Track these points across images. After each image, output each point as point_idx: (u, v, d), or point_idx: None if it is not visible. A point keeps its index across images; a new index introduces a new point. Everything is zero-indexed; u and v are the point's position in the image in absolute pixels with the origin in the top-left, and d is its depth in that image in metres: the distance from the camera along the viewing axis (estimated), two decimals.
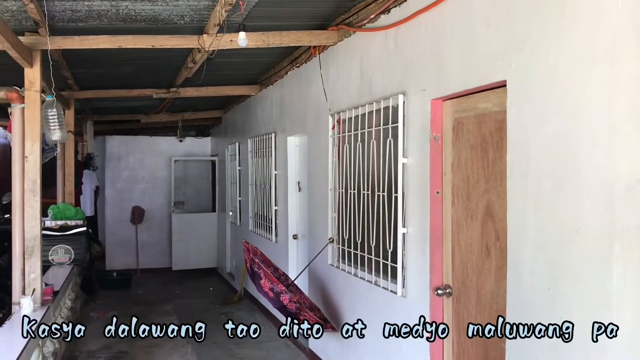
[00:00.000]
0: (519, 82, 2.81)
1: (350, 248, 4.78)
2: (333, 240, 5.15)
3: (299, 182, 6.63)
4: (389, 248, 4.07)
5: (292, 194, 6.67)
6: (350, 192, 4.76)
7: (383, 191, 4.16)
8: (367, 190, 4.45)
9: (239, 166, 9.25)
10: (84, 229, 7.15)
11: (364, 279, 4.51)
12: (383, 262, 4.19)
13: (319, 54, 5.50)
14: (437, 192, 3.63)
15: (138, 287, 10.14)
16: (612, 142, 2.26)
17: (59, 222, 7.23)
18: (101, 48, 4.88)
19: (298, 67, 6.20)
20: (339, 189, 5.02)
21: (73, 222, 7.25)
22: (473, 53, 3.17)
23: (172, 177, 11.75)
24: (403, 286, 3.92)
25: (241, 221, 9.24)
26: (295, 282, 5.27)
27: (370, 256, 4.41)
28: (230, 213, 10.05)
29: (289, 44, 5.15)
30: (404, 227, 3.90)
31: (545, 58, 2.63)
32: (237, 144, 9.39)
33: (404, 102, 3.89)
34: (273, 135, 7.19)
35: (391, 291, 4.06)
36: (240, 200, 9.28)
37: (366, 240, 4.47)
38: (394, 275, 4.02)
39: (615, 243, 2.24)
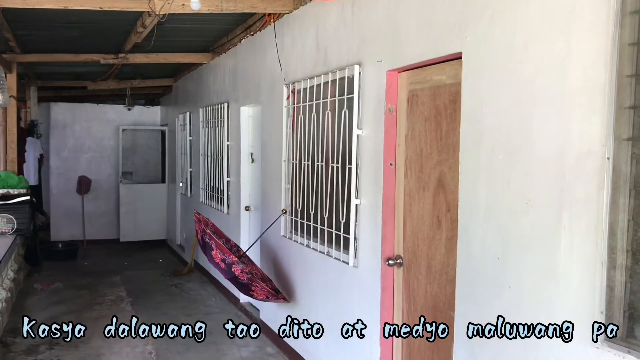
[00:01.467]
0: (475, 54, 2.82)
1: (303, 219, 4.78)
2: (286, 211, 5.13)
3: (252, 153, 6.55)
4: (342, 219, 4.09)
5: (245, 165, 6.60)
6: (304, 164, 4.74)
7: (337, 163, 4.16)
8: (321, 161, 4.44)
9: (190, 136, 9.08)
10: (27, 197, 6.90)
11: (317, 250, 4.52)
12: (336, 233, 4.20)
13: (274, 21, 5.40)
14: (391, 164, 3.65)
15: (84, 258, 9.91)
16: (565, 115, 2.30)
17: (1, 191, 6.95)
18: (45, 8, 4.65)
19: (252, 35, 6.08)
20: (293, 160, 4.99)
21: (16, 191, 6.99)
22: (430, 24, 3.17)
23: (120, 147, 11.45)
24: (355, 257, 3.95)
25: (192, 192, 9.10)
26: (247, 253, 5.25)
27: (323, 227, 4.41)
28: (181, 184, 9.89)
29: (243, 10, 5.03)
30: (357, 198, 3.91)
31: (502, 31, 2.65)
32: (188, 113, 9.20)
33: (359, 73, 3.87)
34: (225, 105, 7.07)
35: (343, 261, 4.08)
36: (191, 172, 9.13)
37: (319, 211, 4.47)
38: (347, 246, 4.04)
39: (564, 214, 2.30)
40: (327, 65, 4.38)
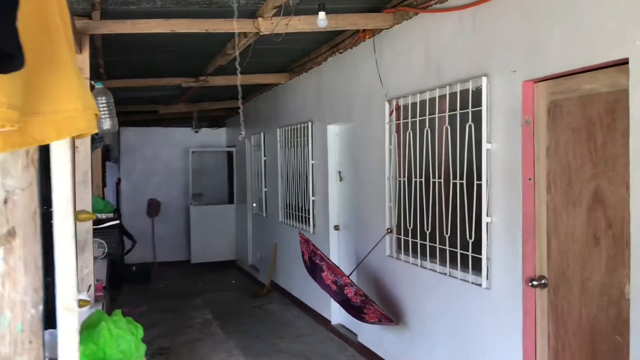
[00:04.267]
0: None
1: (416, 239, 4.61)
2: (391, 230, 4.98)
3: (339, 172, 6.45)
4: (470, 238, 3.91)
5: (333, 183, 6.49)
6: (415, 181, 4.59)
7: (461, 179, 3.99)
8: (439, 178, 4.28)
9: (265, 156, 9.05)
10: (117, 222, 6.93)
11: (435, 271, 4.34)
12: (462, 253, 4.02)
13: (369, 38, 5.30)
14: (530, 179, 3.46)
15: (158, 280, 9.96)
16: None
17: None
18: (153, 32, 4.65)
19: (341, 52, 6.00)
20: (400, 177, 4.84)
21: (104, 216, 7.03)
22: (580, 29, 2.99)
23: (190, 169, 11.53)
24: (487, 277, 3.75)
25: (267, 213, 9.05)
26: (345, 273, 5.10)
27: (443, 247, 4.23)
28: (254, 205, 9.86)
29: (344, 28, 4.96)
30: (487, 216, 3.73)
31: None
32: (261, 133, 9.18)
33: (487, 85, 3.71)
34: (309, 124, 7.00)
35: (472, 283, 3.89)
36: (266, 192, 9.09)
37: (438, 230, 4.29)
38: (476, 267, 3.85)
39: None
40: (440, 79, 4.24)
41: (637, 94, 2.70)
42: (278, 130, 8.25)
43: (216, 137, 12.14)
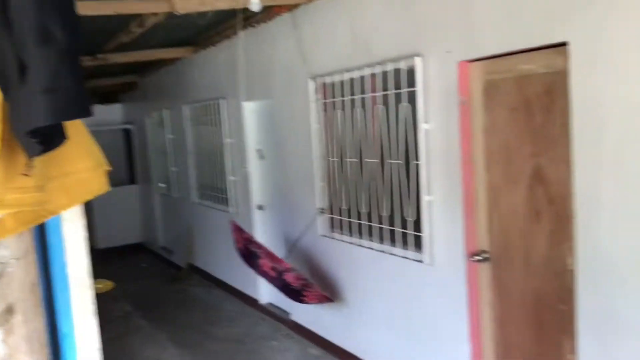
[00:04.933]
0: (587, 44, 2.73)
1: (352, 218, 4.62)
2: (324, 210, 4.95)
3: (259, 150, 6.30)
4: (410, 217, 3.96)
5: (253, 162, 6.34)
6: (348, 161, 4.57)
7: (397, 159, 4.01)
8: (374, 158, 4.28)
9: (171, 135, 8.67)
10: None
11: (373, 248, 4.39)
12: (402, 232, 4.08)
13: (285, 12, 5.15)
14: (468, 158, 3.54)
15: None
16: None
17: None
18: None
19: (255, 27, 5.79)
20: (330, 157, 4.80)
21: None
22: (520, 12, 3.05)
23: None
24: (429, 254, 3.84)
25: (178, 193, 8.73)
26: (269, 251, 5.02)
27: (382, 225, 4.28)
28: (161, 185, 9.47)
29: (265, 4, 4.75)
30: (428, 194, 3.79)
31: (625, 18, 2.56)
32: (164, 110, 8.77)
33: (421, 65, 3.72)
34: (222, 101, 6.75)
35: (413, 259, 3.97)
36: (174, 171, 8.75)
37: (376, 209, 4.32)
38: (418, 244, 3.93)
39: None
40: (370, 57, 4.20)
41: (578, 77, 2.80)
42: (185, 107, 7.91)
43: (111, 114, 11.45)
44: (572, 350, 3.02)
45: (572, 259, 2.97)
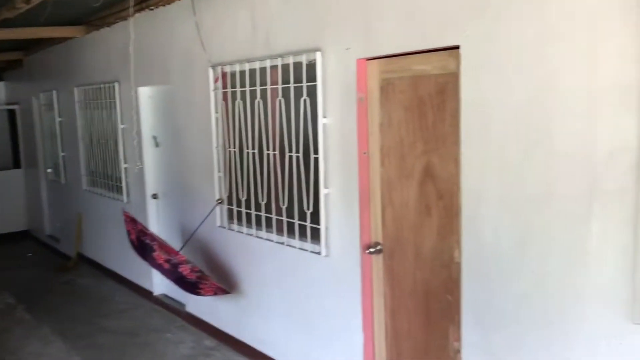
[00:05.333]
0: (477, 49, 2.87)
1: (250, 209, 4.61)
2: (222, 201, 4.90)
3: (155, 137, 6.12)
4: (308, 209, 4.01)
5: (148, 150, 6.15)
6: (248, 152, 4.54)
7: (297, 152, 4.04)
8: (274, 150, 4.28)
9: (60, 117, 8.21)
10: None
11: (271, 240, 4.40)
12: (300, 224, 4.12)
13: None
14: (364, 153, 3.64)
15: None
16: (593, 112, 2.45)
17: None
18: None
19: (152, 9, 5.59)
20: (230, 147, 4.75)
21: None
22: (414, 14, 3.15)
23: None
24: (326, 246, 3.91)
25: (67, 179, 8.30)
26: (164, 243, 4.93)
27: (280, 217, 4.30)
28: (49, 170, 8.95)
29: None
30: (325, 187, 3.85)
31: (510, 27, 2.72)
32: (53, 92, 8.28)
33: (321, 60, 3.76)
34: (115, 84, 6.48)
35: (311, 251, 4.03)
36: (63, 156, 8.29)
37: (274, 201, 4.34)
38: (315, 236, 3.99)
39: (595, 204, 2.48)
40: (270, 49, 4.19)
41: (467, 78, 2.95)
42: (76, 89, 7.51)
43: None
44: (458, 337, 3.20)
45: (459, 251, 3.14)
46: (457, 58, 3.00)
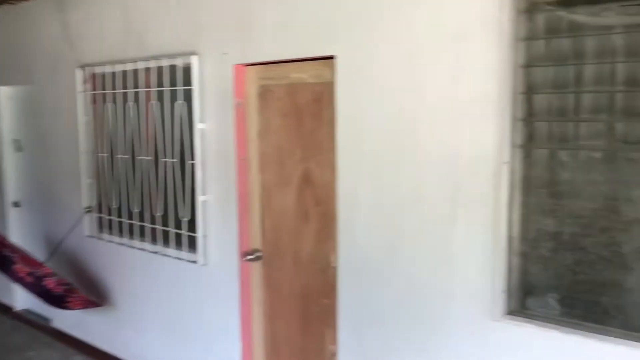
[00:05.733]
0: (351, 59, 2.95)
1: (122, 218, 4.40)
2: (92, 209, 4.64)
3: (17, 141, 5.68)
4: (184, 217, 3.91)
5: (9, 154, 5.69)
6: (119, 158, 4.34)
7: (172, 158, 3.92)
8: (148, 156, 4.13)
9: None
10: None
11: (145, 250, 4.24)
12: (176, 232, 4.00)
13: None
14: (243, 159, 3.61)
15: None
16: (457, 122, 2.61)
17: None
18: None
19: (13, 3, 5.20)
20: (100, 152, 4.51)
21: None
22: (292, 23, 3.19)
23: None
24: (203, 254, 3.83)
25: None
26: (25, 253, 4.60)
27: (155, 226, 4.14)
28: None
29: None
30: (203, 194, 3.77)
31: (382, 40, 2.83)
32: None
33: (197, 64, 3.68)
34: None
35: (188, 260, 3.93)
36: None
37: (149, 209, 4.17)
38: (192, 245, 3.89)
39: (459, 209, 2.63)
40: (143, 50, 4.04)
41: (342, 88, 3.02)
42: None
43: None
44: (334, 341, 3.26)
45: (335, 256, 3.20)
46: (332, 68, 3.07)
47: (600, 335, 2.30)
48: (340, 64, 3.01)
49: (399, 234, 2.86)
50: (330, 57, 3.06)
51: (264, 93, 3.51)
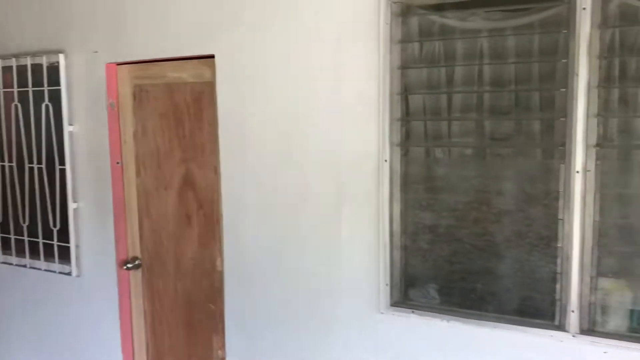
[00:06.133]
0: (232, 59, 2.91)
1: None
2: None
3: None
4: (54, 226, 3.64)
5: None
6: None
7: (40, 163, 3.64)
8: (10, 162, 3.79)
9: None
10: None
11: (11, 264, 3.89)
12: (45, 242, 3.71)
13: None
14: (118, 162, 3.44)
15: None
16: (340, 122, 2.66)
17: None
18: None
19: None
20: None
21: None
22: (169, 21, 3.08)
23: None
24: (77, 266, 3.60)
25: None
26: None
27: (20, 237, 3.82)
28: None
29: None
30: (74, 201, 3.54)
31: (264, 40, 2.82)
32: None
33: (64, 63, 3.45)
34: None
35: (60, 272, 3.67)
36: None
37: (12, 219, 3.84)
38: (64, 256, 3.63)
39: (344, 207, 2.69)
40: (3, 48, 3.72)
41: (223, 88, 2.97)
42: None
43: None
44: (222, 346, 3.20)
45: (221, 259, 3.14)
46: (213, 67, 3.01)
47: (477, 321, 2.45)
48: (220, 63, 2.96)
49: (287, 234, 2.87)
50: (211, 57, 3.00)
51: (140, 93, 3.37)
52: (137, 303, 3.54)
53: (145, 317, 3.54)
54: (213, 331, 3.27)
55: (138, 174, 3.43)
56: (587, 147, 2.22)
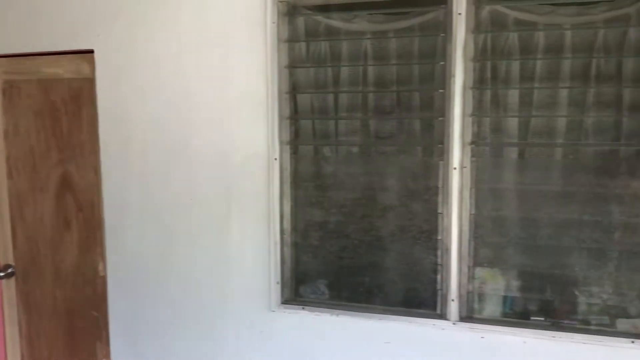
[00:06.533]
0: (112, 55, 2.80)
1: None
2: None
3: None
4: None
5: None
6: None
7: None
8: None
9: None
10: None
11: None
12: None
13: None
14: None
15: None
16: (228, 121, 2.63)
17: None
18: None
19: None
20: None
21: None
22: (42, 14, 2.90)
23: None
24: None
25: None
26: None
27: None
28: None
29: None
30: None
31: (145, 37, 2.72)
32: None
33: None
34: None
35: None
36: None
37: None
38: None
39: (233, 206, 2.66)
40: None
41: (104, 85, 2.84)
42: None
43: None
44: (106, 354, 3.06)
45: (104, 264, 3.00)
46: (92, 63, 2.87)
47: (365, 313, 2.53)
48: (100, 59, 2.83)
49: (173, 236, 2.79)
50: (90, 52, 2.85)
51: (10, 89, 3.13)
52: (11, 314, 3.30)
53: (20, 328, 3.30)
54: (97, 339, 3.12)
55: (10, 176, 3.20)
56: (463, 145, 2.36)
